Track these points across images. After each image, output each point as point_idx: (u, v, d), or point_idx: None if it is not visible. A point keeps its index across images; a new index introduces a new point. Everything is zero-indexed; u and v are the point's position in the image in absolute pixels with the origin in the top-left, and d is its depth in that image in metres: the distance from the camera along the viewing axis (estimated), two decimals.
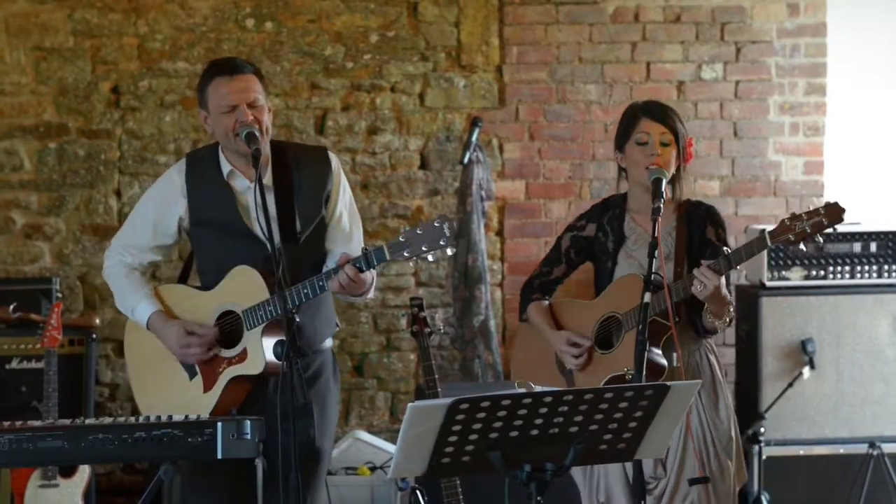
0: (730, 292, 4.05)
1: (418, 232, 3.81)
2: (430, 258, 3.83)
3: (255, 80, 4.02)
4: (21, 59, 6.39)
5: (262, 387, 4.04)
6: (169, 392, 4.10)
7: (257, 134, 3.94)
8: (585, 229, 4.26)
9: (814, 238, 3.79)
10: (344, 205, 4.16)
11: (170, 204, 4.14)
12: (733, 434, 4.12)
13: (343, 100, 6.51)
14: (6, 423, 3.83)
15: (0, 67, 6.39)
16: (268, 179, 4.03)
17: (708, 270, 3.86)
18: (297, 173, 4.07)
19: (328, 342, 4.20)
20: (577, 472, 4.26)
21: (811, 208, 3.81)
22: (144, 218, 4.19)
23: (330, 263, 4.05)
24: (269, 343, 3.94)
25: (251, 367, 3.98)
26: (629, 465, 4.03)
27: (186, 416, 3.83)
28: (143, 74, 6.43)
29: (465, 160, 6.26)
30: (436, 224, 3.80)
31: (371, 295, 4.07)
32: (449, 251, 3.82)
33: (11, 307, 5.88)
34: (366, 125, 6.52)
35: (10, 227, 6.43)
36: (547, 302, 4.32)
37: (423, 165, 6.56)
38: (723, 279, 3.90)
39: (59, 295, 6.07)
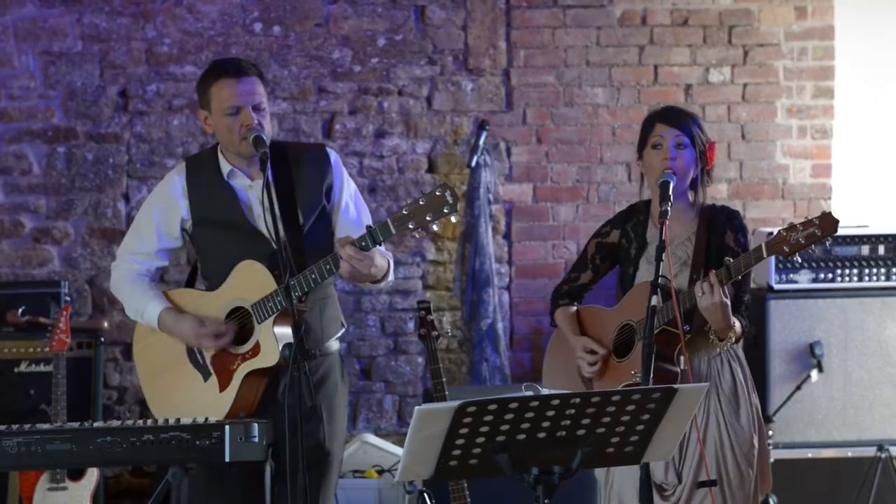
0: (745, 298, 4.05)
1: (421, 203, 3.79)
2: (435, 227, 3.81)
3: (259, 82, 4.05)
4: (29, 63, 6.41)
5: (273, 388, 4.05)
6: (183, 396, 4.09)
7: (265, 137, 3.97)
8: (609, 235, 4.28)
9: (808, 249, 3.80)
10: (349, 196, 4.18)
11: (172, 207, 4.16)
12: (755, 442, 4.10)
13: (351, 103, 6.52)
14: (15, 426, 3.84)
15: (9, 72, 6.40)
16: (270, 177, 4.03)
17: (711, 278, 3.87)
18: (297, 169, 4.09)
19: (335, 344, 4.20)
20: (599, 471, 4.28)
21: (806, 219, 3.81)
22: (148, 223, 4.21)
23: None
24: (281, 334, 3.94)
25: (265, 360, 3.98)
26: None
27: (194, 419, 3.83)
28: (151, 78, 6.45)
29: (473, 163, 6.27)
30: (437, 192, 3.78)
31: (391, 278, 4.07)
32: (453, 218, 3.80)
33: (20, 310, 5.90)
34: (373, 129, 6.53)
35: (18, 231, 6.45)
36: (574, 308, 4.34)
37: (431, 169, 6.56)
38: (727, 300, 3.89)
39: (68, 298, 6.07)
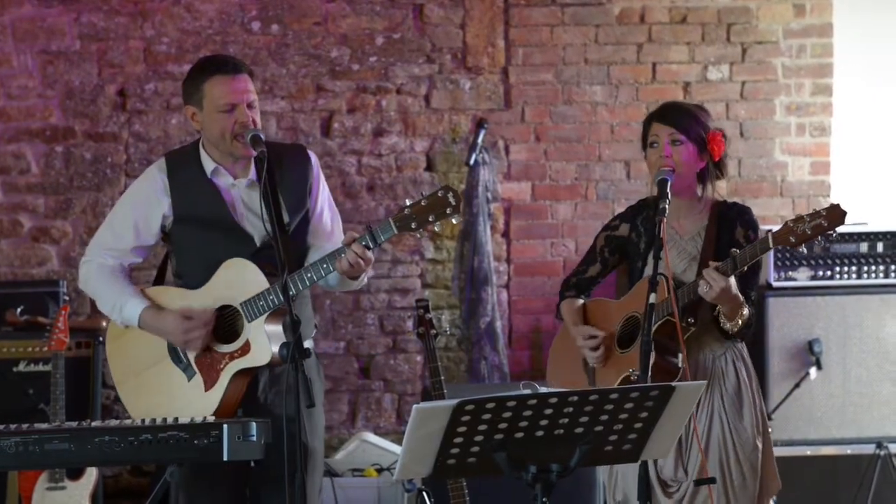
0: (751, 295, 4.05)
1: (423, 203, 3.77)
2: (436, 228, 3.79)
3: (250, 80, 4.02)
4: (28, 62, 6.41)
5: (252, 387, 4.01)
6: (165, 396, 4.01)
7: (262, 136, 3.94)
8: (619, 229, 4.27)
9: (815, 240, 3.80)
10: (324, 200, 4.14)
11: (152, 203, 4.07)
12: (759, 443, 4.09)
13: (349, 102, 6.52)
14: (13, 426, 3.84)
15: (7, 71, 6.40)
16: (253, 175, 4.02)
17: (713, 272, 3.87)
18: (281, 169, 4.03)
19: (308, 343, 4.13)
20: (602, 469, 4.28)
21: (814, 210, 3.82)
22: (125, 219, 4.10)
23: (314, 257, 3.99)
24: (273, 333, 3.90)
25: (256, 359, 3.92)
26: (651, 467, 4.03)
27: (192, 419, 3.82)
28: (149, 77, 6.45)
29: (471, 162, 6.27)
30: (440, 194, 3.77)
31: (366, 277, 4.03)
32: (455, 220, 3.79)
33: (19, 310, 5.90)
34: (371, 127, 6.53)
35: (17, 230, 6.45)
36: (581, 301, 4.33)
37: (429, 167, 6.56)
38: (732, 280, 3.89)
39: (67, 298, 6.07)
